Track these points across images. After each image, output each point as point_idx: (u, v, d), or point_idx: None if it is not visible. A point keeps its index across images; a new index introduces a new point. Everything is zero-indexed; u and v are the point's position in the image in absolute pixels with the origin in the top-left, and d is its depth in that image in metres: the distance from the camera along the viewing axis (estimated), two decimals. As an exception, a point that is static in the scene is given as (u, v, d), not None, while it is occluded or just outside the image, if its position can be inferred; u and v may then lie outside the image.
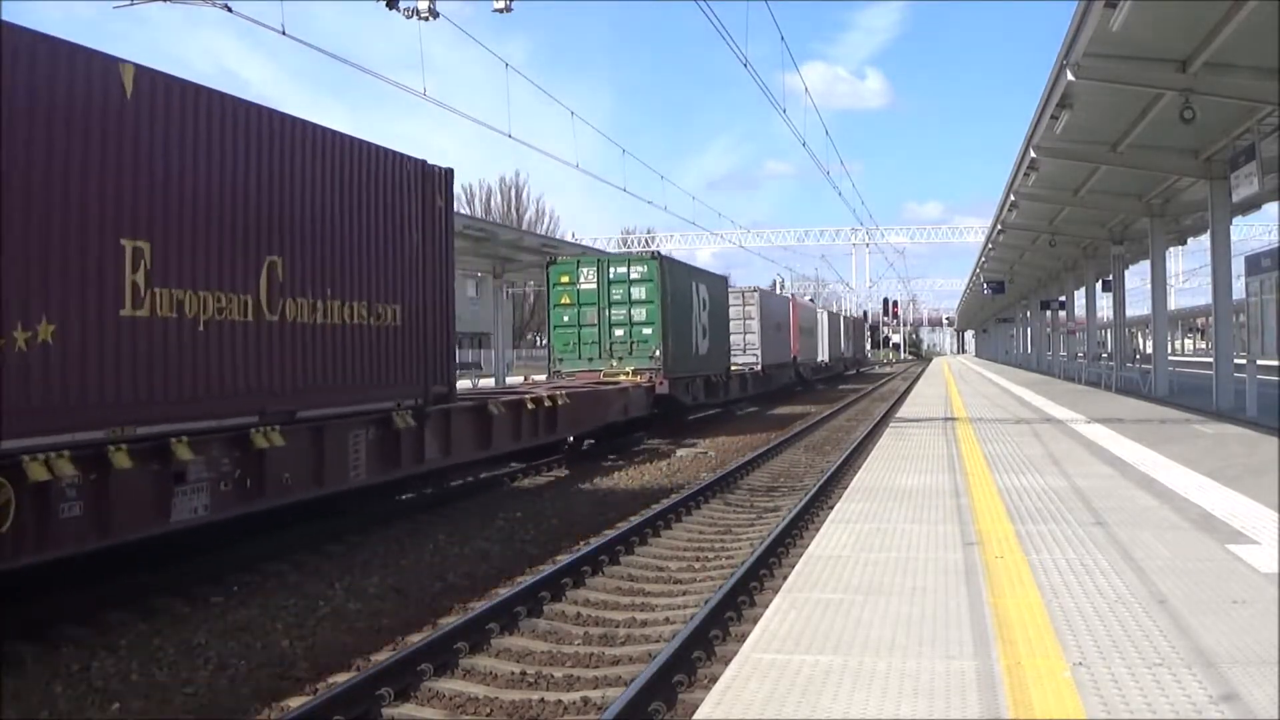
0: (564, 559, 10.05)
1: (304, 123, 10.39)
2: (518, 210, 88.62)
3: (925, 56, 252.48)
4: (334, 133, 10.90)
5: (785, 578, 6.25)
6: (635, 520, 12.13)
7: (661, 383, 22.39)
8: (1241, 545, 6.40)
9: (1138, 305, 59.18)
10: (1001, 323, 75.18)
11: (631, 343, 23.00)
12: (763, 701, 3.82)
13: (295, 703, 6.29)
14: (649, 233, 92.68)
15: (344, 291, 10.80)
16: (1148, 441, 12.62)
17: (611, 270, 23.47)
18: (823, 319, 54.49)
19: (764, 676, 4.10)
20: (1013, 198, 25.38)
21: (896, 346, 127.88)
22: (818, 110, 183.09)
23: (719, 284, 30.40)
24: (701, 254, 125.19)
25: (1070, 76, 13.78)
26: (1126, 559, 6.07)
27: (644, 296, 23.15)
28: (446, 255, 13.02)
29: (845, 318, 71.52)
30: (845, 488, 10.49)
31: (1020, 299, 57.34)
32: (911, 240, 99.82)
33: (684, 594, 9.19)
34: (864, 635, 4.64)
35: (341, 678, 6.74)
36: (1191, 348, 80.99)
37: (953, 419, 17.59)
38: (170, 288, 8.40)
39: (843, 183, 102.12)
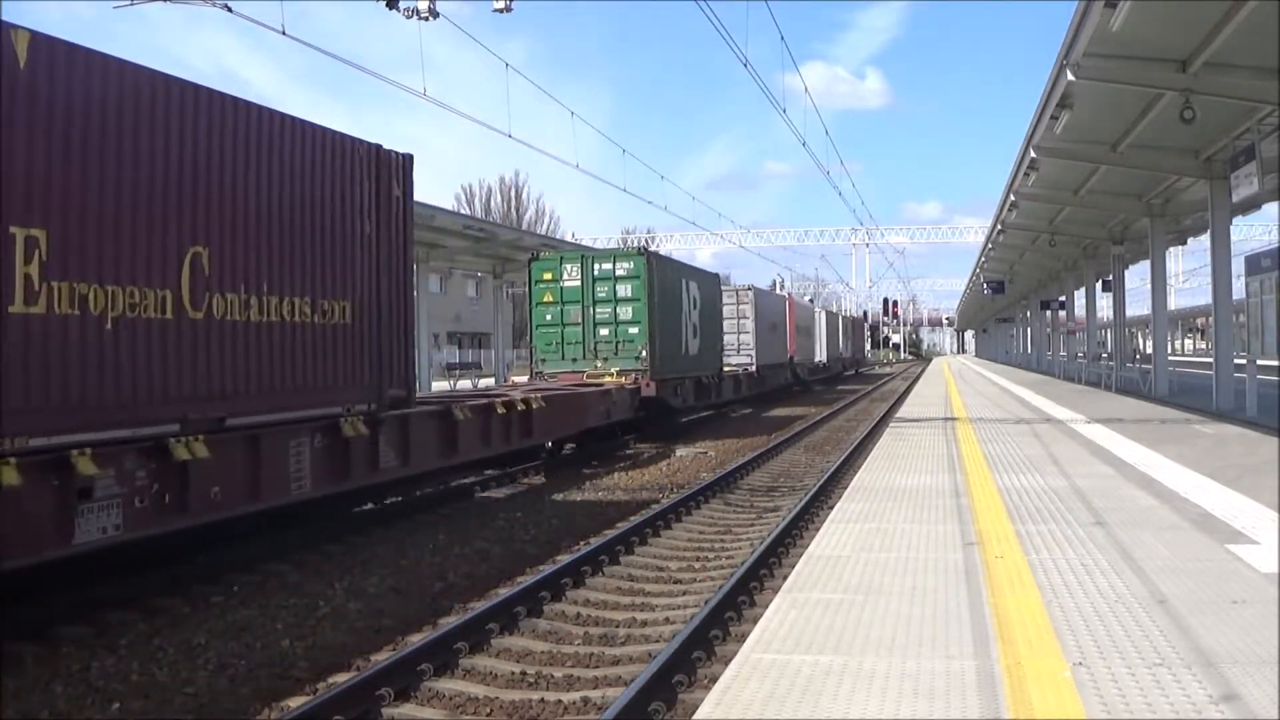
0: (564, 559, 10.05)
1: (236, 99, 9.39)
2: (518, 210, 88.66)
3: (925, 56, 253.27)
4: (272, 111, 9.91)
5: (785, 578, 6.25)
6: (635, 520, 12.13)
7: (648, 384, 21.32)
8: (1241, 545, 6.40)
9: (1138, 305, 59.34)
10: (1001, 323, 75.24)
11: (617, 342, 21.85)
12: (763, 701, 3.82)
13: (295, 703, 6.29)
14: (649, 233, 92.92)
15: (283, 286, 9.81)
16: (1148, 441, 12.63)
17: (596, 267, 22.18)
18: (820, 318, 54.32)
19: (764, 676, 4.10)
20: (1013, 198, 25.39)
21: (896, 347, 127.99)
22: (817, 110, 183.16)
23: (711, 282, 29.12)
24: (701, 254, 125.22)
25: (1070, 76, 13.79)
26: (1126, 559, 6.07)
27: (630, 294, 21.90)
28: (405, 248, 12.09)
29: (844, 317, 71.37)
30: (845, 488, 10.49)
31: (1020, 299, 57.40)
32: (911, 240, 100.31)
33: (684, 594, 9.19)
34: (864, 635, 4.64)
35: (341, 678, 6.74)
36: (1191, 348, 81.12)
37: (953, 419, 17.59)
38: (71, 281, 7.41)
39: (843, 183, 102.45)
